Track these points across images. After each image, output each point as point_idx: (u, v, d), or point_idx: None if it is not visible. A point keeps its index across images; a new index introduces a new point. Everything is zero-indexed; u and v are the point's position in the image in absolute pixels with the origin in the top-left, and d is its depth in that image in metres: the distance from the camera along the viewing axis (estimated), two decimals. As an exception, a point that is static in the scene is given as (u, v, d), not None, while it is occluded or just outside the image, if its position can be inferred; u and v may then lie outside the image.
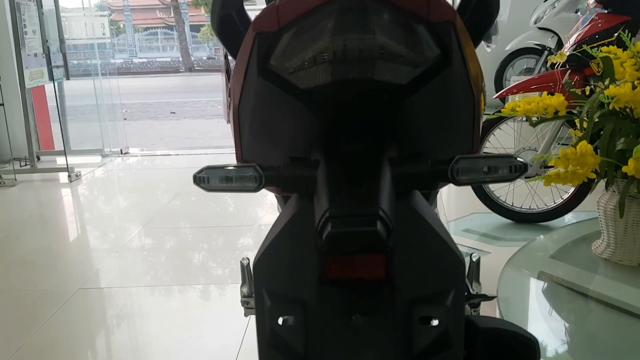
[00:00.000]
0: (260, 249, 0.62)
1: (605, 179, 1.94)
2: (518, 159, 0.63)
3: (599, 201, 1.96)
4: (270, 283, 0.60)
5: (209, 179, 0.61)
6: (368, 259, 0.58)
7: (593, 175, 1.70)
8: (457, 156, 0.61)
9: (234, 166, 0.62)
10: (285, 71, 0.65)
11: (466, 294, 0.94)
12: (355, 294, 0.59)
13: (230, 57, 0.95)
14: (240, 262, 1.00)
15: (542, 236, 2.23)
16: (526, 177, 2.93)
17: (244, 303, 1.02)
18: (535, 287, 1.76)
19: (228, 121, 0.82)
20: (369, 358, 0.58)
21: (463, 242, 3.06)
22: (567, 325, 1.51)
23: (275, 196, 1.05)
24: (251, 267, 0.64)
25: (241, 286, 1.03)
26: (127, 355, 1.88)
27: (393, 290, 0.59)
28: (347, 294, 0.59)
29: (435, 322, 0.58)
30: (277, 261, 0.60)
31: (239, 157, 0.74)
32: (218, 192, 0.63)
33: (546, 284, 1.79)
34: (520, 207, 2.99)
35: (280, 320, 0.59)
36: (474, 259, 0.97)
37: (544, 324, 1.52)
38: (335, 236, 0.53)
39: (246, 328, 2.01)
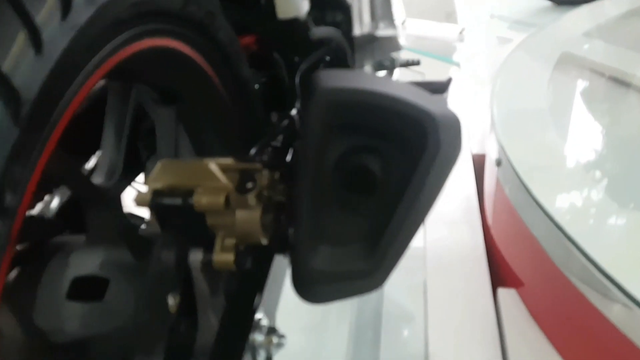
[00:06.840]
0: None
1: None
2: None
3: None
4: None
5: None
6: None
7: None
8: None
9: None
10: None
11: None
12: None
13: None
14: None
15: (577, 10, 1.70)
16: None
17: None
18: (553, 72, 1.30)
19: None
20: None
21: (488, 29, 2.61)
22: (594, 121, 1.21)
23: None
24: None
25: None
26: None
27: None
28: None
29: None
30: None
31: None
32: None
33: (569, 67, 1.34)
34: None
35: None
36: None
37: (561, 118, 1.18)
38: None
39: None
